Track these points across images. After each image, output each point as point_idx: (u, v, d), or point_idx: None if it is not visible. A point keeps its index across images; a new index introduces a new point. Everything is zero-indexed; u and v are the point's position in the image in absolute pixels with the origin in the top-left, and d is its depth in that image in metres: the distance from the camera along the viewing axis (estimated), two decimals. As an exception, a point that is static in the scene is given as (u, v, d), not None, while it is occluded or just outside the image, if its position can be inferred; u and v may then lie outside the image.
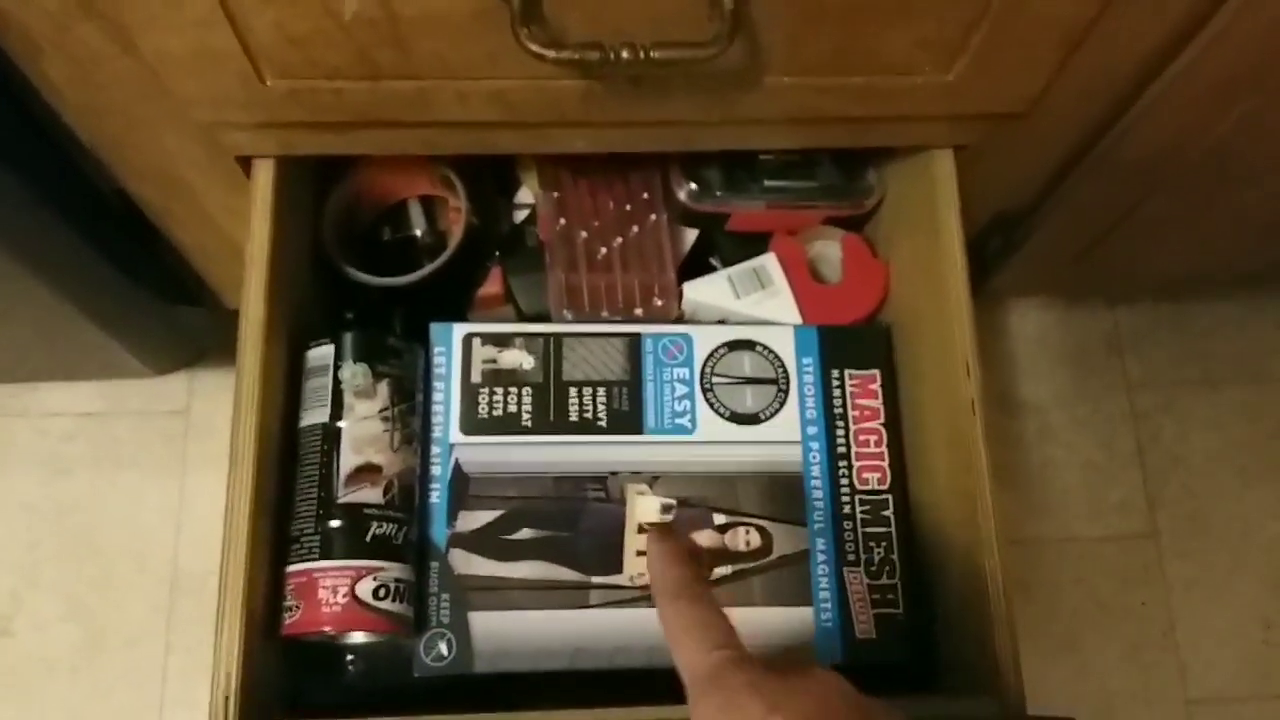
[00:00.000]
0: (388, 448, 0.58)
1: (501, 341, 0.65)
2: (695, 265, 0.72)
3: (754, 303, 0.69)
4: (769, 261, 0.70)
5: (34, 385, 1.04)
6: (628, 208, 0.70)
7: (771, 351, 0.67)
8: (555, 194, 0.70)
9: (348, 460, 0.57)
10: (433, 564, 0.60)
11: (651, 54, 0.46)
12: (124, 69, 0.52)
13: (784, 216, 0.70)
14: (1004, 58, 0.52)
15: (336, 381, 0.58)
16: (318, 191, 0.68)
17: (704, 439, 0.64)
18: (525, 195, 0.73)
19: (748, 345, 0.67)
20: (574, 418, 0.64)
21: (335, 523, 0.56)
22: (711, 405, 0.65)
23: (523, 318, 0.70)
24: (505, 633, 0.60)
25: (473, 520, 0.61)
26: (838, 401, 0.66)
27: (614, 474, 0.63)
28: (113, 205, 0.68)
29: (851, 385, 0.67)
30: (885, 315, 0.71)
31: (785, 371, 0.66)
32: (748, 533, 0.63)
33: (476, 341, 0.65)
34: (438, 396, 0.63)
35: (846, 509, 0.64)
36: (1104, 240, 0.83)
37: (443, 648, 0.59)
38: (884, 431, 0.66)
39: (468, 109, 0.53)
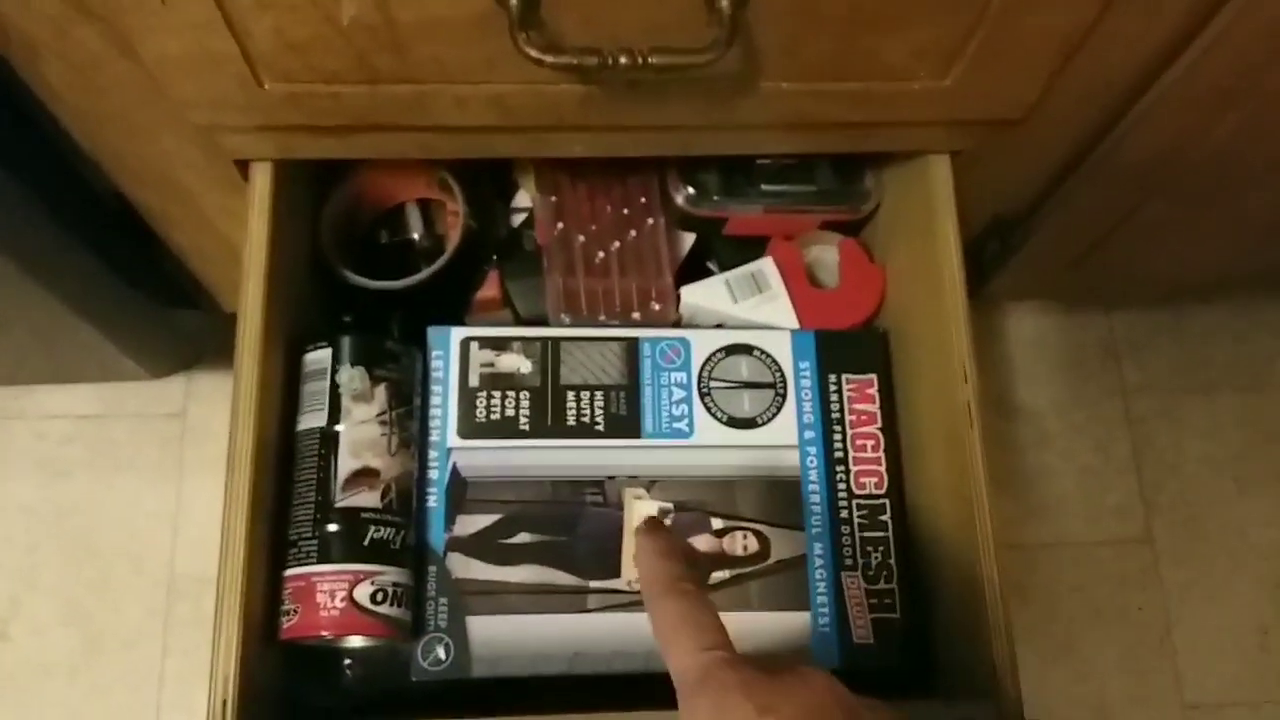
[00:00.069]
0: (385, 452, 0.58)
1: (499, 345, 0.65)
2: (693, 269, 0.72)
3: (751, 307, 0.69)
4: (766, 266, 0.70)
5: (31, 388, 1.04)
6: (625, 212, 0.70)
7: (769, 356, 0.67)
8: (553, 198, 0.70)
9: (345, 464, 0.57)
10: (430, 568, 0.60)
11: (649, 59, 0.46)
12: (122, 72, 0.52)
13: (781, 221, 0.70)
14: (1001, 64, 0.53)
15: (334, 385, 0.58)
16: (316, 195, 0.68)
17: (701, 443, 0.64)
18: (523, 199, 0.73)
19: (745, 350, 0.67)
20: (572, 422, 0.64)
21: (333, 527, 0.56)
22: (709, 410, 0.65)
23: (520, 322, 0.70)
24: (503, 637, 0.60)
25: (470, 524, 0.61)
26: (835, 406, 0.66)
27: (612, 478, 0.63)
28: (110, 208, 0.68)
29: (849, 390, 0.67)
30: (882, 320, 0.71)
31: (783, 376, 0.66)
32: (745, 537, 0.63)
33: (474, 345, 0.65)
34: (435, 400, 0.63)
35: (844, 514, 0.64)
36: (1101, 245, 0.83)
37: (440, 652, 0.59)
38: (881, 436, 0.66)
39: (466, 113, 0.53)
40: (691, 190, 0.68)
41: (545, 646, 0.60)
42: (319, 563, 0.55)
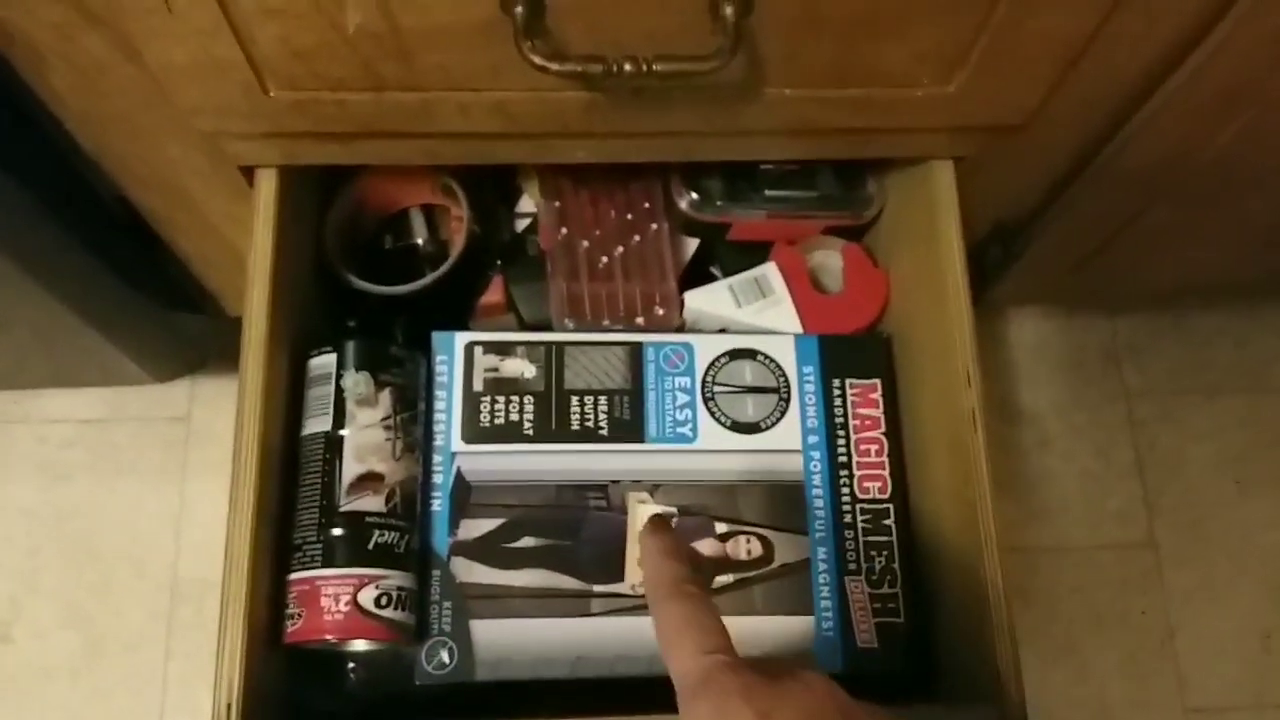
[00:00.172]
0: (390, 456, 0.58)
1: (503, 350, 0.65)
2: (696, 274, 0.72)
3: (755, 312, 0.69)
4: (770, 271, 0.71)
5: (35, 391, 1.04)
6: (629, 217, 0.70)
7: (772, 361, 0.67)
8: (557, 203, 0.70)
9: (350, 468, 0.57)
10: (434, 572, 0.60)
11: (654, 67, 0.46)
12: (128, 78, 0.52)
13: (785, 226, 0.71)
14: (1004, 70, 0.53)
15: (339, 390, 0.58)
16: (320, 200, 0.68)
17: (705, 448, 0.65)
18: (527, 204, 0.73)
19: (749, 354, 0.67)
20: (575, 426, 0.64)
21: (337, 531, 0.56)
22: (713, 414, 0.65)
23: (524, 326, 0.70)
24: (506, 641, 0.60)
25: (474, 528, 0.61)
26: (839, 411, 0.66)
27: (615, 482, 0.63)
28: (115, 213, 0.68)
29: (852, 394, 0.67)
30: (886, 325, 0.71)
31: (786, 381, 0.67)
32: (749, 541, 0.63)
33: (478, 350, 0.65)
34: (440, 405, 0.63)
35: (847, 518, 0.64)
36: (1104, 250, 0.83)
37: (444, 656, 0.59)
38: (885, 441, 0.66)
39: (470, 120, 0.54)
40: (695, 195, 0.68)
41: (548, 650, 0.60)
42: (323, 567, 0.55)
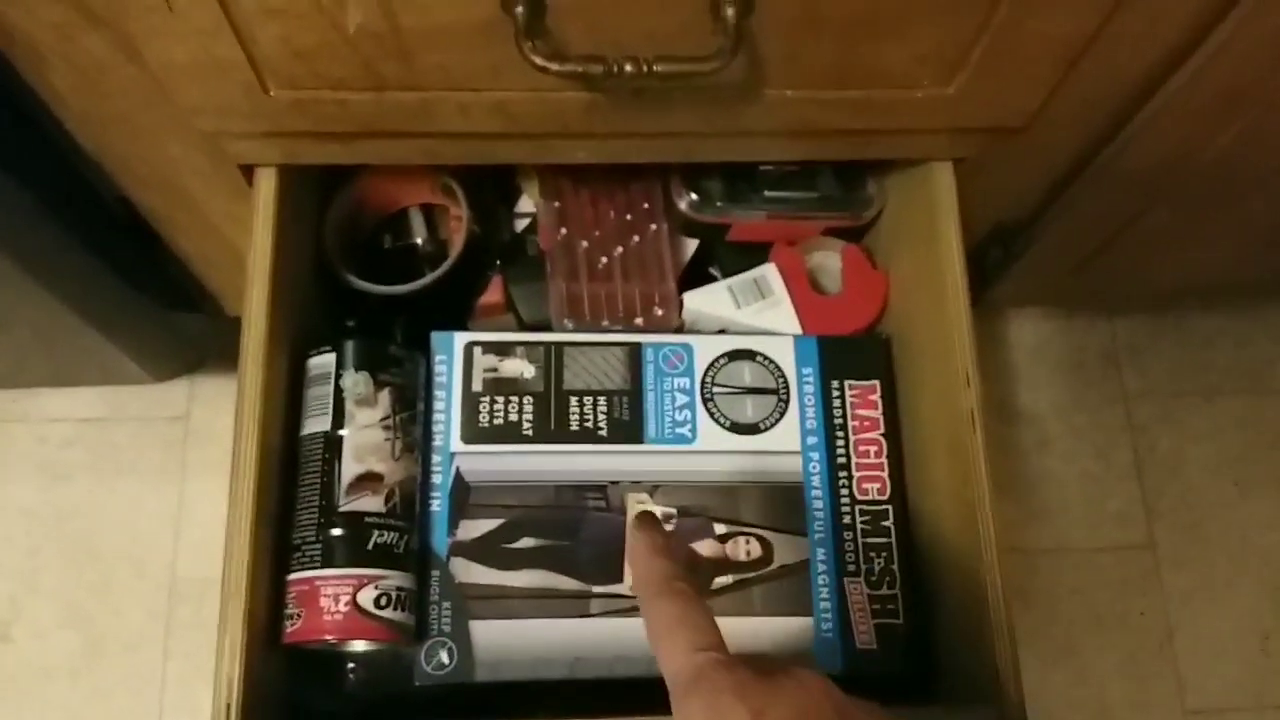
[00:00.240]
0: (389, 456, 0.58)
1: (503, 350, 0.65)
2: (696, 275, 0.72)
3: (754, 313, 0.69)
4: (769, 272, 0.71)
5: (34, 391, 1.04)
6: (628, 217, 0.70)
7: (772, 362, 0.67)
8: (556, 203, 0.70)
9: (349, 468, 0.57)
10: (434, 572, 0.60)
11: (654, 67, 0.46)
12: (128, 78, 0.52)
13: (784, 227, 0.71)
14: (1004, 72, 0.53)
15: (338, 390, 0.58)
16: (320, 200, 0.68)
17: (704, 449, 0.65)
18: (526, 204, 0.73)
19: (748, 355, 0.67)
20: (575, 427, 0.64)
21: (337, 531, 0.56)
22: (712, 415, 0.65)
23: (524, 327, 0.70)
24: (506, 641, 0.60)
25: (473, 529, 0.61)
26: (838, 412, 0.66)
27: (614, 483, 0.63)
28: (115, 212, 0.68)
29: (851, 395, 0.67)
30: (885, 326, 0.71)
31: (785, 382, 0.67)
32: (748, 542, 0.63)
33: (478, 350, 0.65)
34: (439, 405, 0.63)
35: (847, 519, 0.64)
36: (1104, 251, 0.83)
37: (444, 656, 0.59)
38: (884, 442, 0.66)
39: (470, 120, 0.54)
40: (695, 196, 0.68)
41: (547, 651, 0.60)
42: (323, 567, 0.55)
